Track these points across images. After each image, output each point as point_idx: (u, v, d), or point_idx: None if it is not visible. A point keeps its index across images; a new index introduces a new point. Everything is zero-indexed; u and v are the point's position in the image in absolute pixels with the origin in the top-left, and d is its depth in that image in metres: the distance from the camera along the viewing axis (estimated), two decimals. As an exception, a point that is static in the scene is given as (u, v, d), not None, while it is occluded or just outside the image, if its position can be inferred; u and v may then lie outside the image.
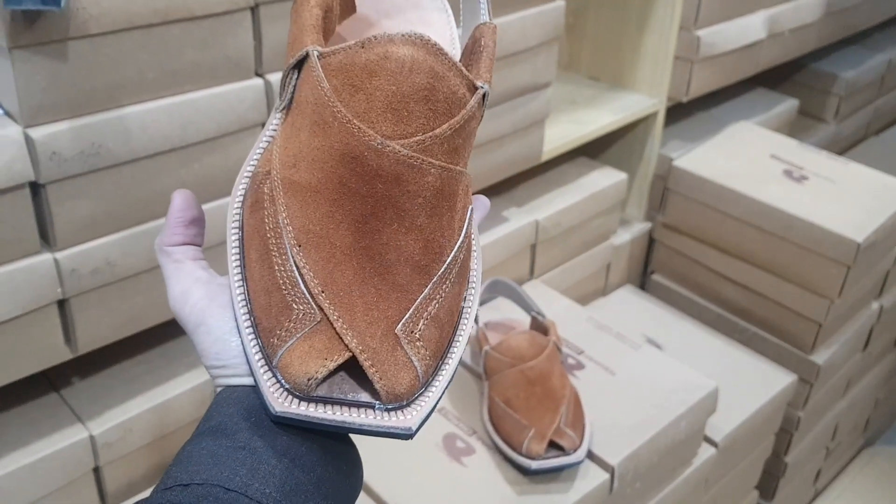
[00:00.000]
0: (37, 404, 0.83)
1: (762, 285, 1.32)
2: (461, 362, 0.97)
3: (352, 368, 0.37)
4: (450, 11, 0.51)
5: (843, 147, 1.82)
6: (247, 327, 0.38)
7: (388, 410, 0.36)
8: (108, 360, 0.88)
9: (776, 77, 1.70)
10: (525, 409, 0.93)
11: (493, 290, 1.15)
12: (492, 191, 1.23)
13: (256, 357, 0.37)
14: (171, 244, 0.43)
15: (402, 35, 0.37)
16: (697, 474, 1.10)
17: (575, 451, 0.90)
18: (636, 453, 0.96)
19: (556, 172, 1.31)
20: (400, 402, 0.36)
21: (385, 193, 0.37)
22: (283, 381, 0.36)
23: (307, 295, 0.37)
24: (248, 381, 0.39)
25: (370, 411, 0.36)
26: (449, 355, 0.39)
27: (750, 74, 1.48)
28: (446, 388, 0.38)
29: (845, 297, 1.27)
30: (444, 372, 0.39)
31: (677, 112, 1.51)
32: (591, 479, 0.92)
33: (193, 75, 0.75)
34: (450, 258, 0.40)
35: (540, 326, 1.04)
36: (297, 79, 0.41)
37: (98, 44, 0.68)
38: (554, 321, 1.04)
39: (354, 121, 0.37)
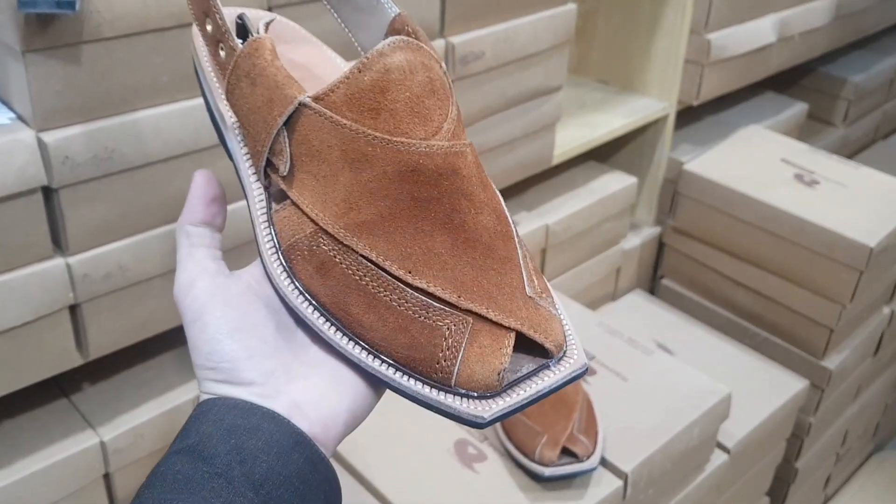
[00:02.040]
0: (47, 410, 0.83)
1: (773, 290, 1.31)
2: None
3: None
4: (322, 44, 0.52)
5: (851, 151, 1.82)
6: (406, 378, 0.38)
7: (560, 361, 0.39)
8: (119, 365, 0.87)
9: (785, 81, 1.70)
10: (538, 415, 0.92)
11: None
12: (502, 194, 1.22)
13: (434, 393, 0.37)
14: (191, 222, 0.42)
15: (389, 43, 0.39)
16: (710, 480, 1.09)
17: (588, 457, 0.90)
18: (649, 460, 0.95)
19: (566, 176, 1.31)
20: (562, 349, 0.39)
21: (451, 187, 0.39)
22: (470, 393, 0.37)
23: (447, 309, 0.37)
24: (236, 391, 0.38)
25: (548, 371, 0.38)
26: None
27: (760, 78, 1.47)
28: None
29: (857, 302, 1.26)
30: (561, 309, 0.42)
31: (687, 116, 1.51)
32: (604, 485, 0.92)
33: (206, 79, 0.74)
34: (511, 219, 0.42)
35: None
36: (289, 137, 0.40)
37: (112, 47, 0.67)
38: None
39: (394, 139, 0.38)
